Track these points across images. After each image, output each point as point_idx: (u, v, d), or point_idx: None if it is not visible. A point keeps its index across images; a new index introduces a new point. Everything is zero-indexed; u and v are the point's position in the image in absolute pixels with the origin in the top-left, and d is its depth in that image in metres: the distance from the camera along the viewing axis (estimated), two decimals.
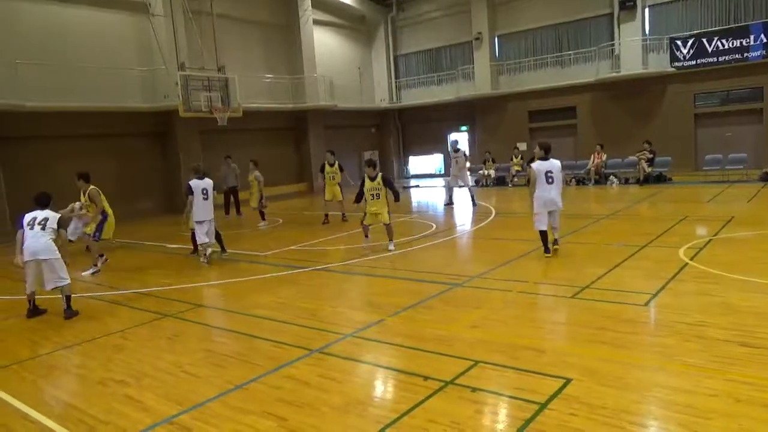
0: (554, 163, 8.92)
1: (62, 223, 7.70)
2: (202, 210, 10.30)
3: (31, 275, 7.39)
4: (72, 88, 17.20)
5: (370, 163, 10.79)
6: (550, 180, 8.84)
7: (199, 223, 10.35)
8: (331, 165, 14.44)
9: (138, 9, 19.22)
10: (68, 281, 7.50)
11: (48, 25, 17.33)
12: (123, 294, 8.57)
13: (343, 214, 14.44)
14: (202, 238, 10.37)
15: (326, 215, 14.58)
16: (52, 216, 7.57)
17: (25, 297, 7.55)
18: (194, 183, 10.34)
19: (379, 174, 10.60)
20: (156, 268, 10.66)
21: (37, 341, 6.56)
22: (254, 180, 15.36)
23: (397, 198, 10.93)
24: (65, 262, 7.56)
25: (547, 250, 8.95)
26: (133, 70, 19.20)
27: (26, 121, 16.34)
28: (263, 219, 15.32)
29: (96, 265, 10.36)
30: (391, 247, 10.48)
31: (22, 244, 7.37)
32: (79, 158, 17.12)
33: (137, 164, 19.78)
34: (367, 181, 10.51)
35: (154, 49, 19.21)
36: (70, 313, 7.39)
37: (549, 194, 8.83)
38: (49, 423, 4.36)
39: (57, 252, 7.42)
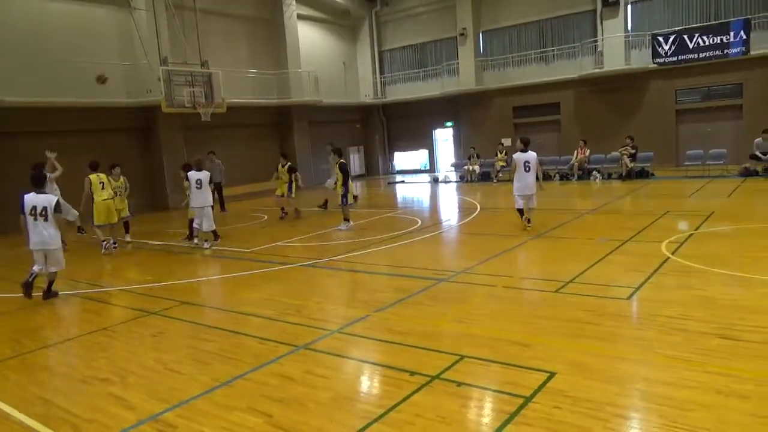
0: (531, 155, 10.83)
1: (59, 207, 7.98)
2: (196, 198, 11.35)
3: (38, 260, 7.95)
4: (53, 82, 16.94)
5: (335, 151, 13.18)
6: (527, 168, 10.77)
7: (194, 209, 11.52)
8: (283, 166, 15.28)
9: (119, 3, 18.96)
10: (60, 269, 8.12)
11: (28, 18, 17.03)
12: (107, 291, 8.49)
13: (283, 209, 15.46)
14: (198, 224, 11.54)
15: (282, 209, 15.61)
16: (49, 203, 7.82)
17: (27, 278, 7.95)
18: (191, 174, 11.45)
19: (340, 162, 12.80)
20: (140, 265, 10.58)
21: (20, 340, 6.48)
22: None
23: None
24: (63, 247, 8.12)
25: (522, 218, 10.96)
26: (116, 65, 18.94)
27: (5, 117, 16.03)
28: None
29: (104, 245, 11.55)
30: (341, 226, 12.53)
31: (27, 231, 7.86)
32: (60, 154, 16.84)
33: (119, 160, 19.29)
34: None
35: (136, 44, 18.96)
36: (49, 295, 8.02)
37: (525, 180, 10.78)
38: (32, 422, 4.31)
39: (59, 241, 7.96)
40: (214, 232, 11.71)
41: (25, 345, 6.29)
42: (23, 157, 16.61)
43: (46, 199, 7.85)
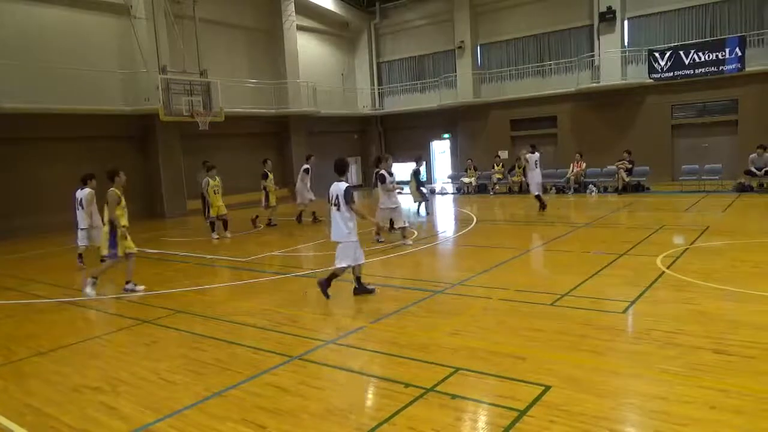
0: (537, 155, 15.59)
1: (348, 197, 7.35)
2: (389, 198, 12.09)
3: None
4: (52, 90, 16.97)
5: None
6: (536, 165, 15.48)
7: (388, 209, 11.94)
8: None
9: (119, 11, 19.05)
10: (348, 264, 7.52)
11: (28, 26, 17.08)
12: (100, 299, 8.44)
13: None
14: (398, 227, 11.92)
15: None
16: (340, 190, 7.39)
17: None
18: (388, 176, 12.25)
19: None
20: (135, 273, 10.50)
21: (11, 347, 6.43)
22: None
23: None
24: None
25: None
26: (114, 73, 18.99)
27: (3, 123, 16.03)
28: (213, 230, 14.03)
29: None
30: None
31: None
32: (58, 161, 16.90)
33: (117, 168, 19.47)
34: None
35: (135, 52, 19.03)
36: (361, 289, 7.74)
37: (539, 174, 15.52)
38: (21, 431, 4.27)
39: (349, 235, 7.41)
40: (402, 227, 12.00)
41: (17, 352, 6.23)
42: (21, 164, 16.69)
43: (339, 186, 7.44)
